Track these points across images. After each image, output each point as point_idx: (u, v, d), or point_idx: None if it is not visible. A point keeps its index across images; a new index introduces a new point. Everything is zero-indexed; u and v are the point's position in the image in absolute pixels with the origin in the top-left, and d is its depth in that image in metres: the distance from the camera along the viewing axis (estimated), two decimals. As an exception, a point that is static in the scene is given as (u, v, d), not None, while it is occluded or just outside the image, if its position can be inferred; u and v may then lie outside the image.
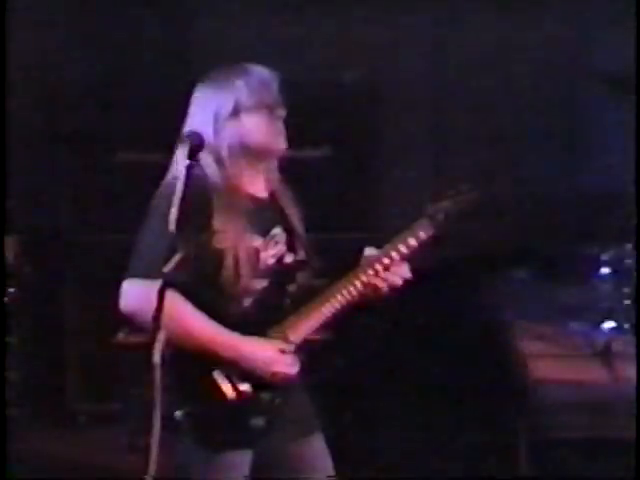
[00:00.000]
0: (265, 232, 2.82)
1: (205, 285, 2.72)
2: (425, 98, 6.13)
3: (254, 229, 2.78)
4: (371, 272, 2.80)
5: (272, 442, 2.78)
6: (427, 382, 5.51)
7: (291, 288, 2.85)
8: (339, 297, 2.81)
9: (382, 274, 2.80)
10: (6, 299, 5.46)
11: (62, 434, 5.45)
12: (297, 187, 5.51)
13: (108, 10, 5.69)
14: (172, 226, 2.49)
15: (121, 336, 4.93)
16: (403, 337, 5.69)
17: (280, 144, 2.84)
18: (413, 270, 2.84)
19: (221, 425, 2.71)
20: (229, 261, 2.71)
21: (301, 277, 2.87)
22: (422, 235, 2.82)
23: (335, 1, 5.99)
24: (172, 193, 2.54)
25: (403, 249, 2.82)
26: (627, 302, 4.89)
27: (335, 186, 5.28)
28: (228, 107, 2.78)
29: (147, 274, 2.64)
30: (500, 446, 4.56)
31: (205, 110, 2.80)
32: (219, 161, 2.77)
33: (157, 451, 2.44)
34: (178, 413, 2.67)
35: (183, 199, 2.52)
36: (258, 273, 2.78)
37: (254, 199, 2.81)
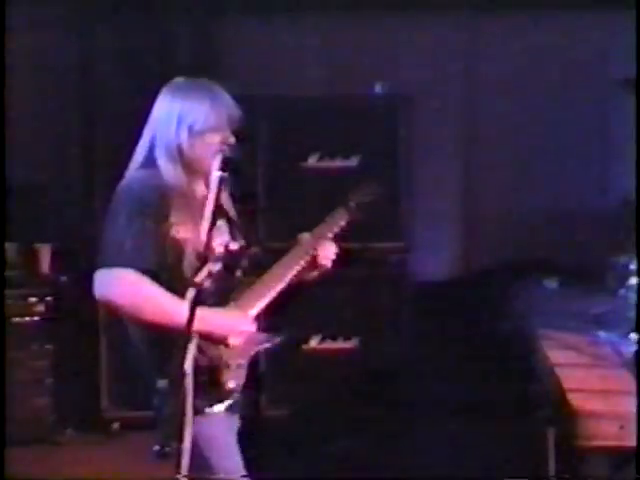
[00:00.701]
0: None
1: (168, 270, 3.03)
2: (456, 108, 6.16)
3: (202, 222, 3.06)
4: (309, 253, 3.33)
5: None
6: (455, 390, 5.54)
7: (238, 272, 3.23)
8: (288, 273, 3.28)
9: (318, 253, 3.35)
10: (42, 307, 5.57)
11: (96, 440, 5.55)
12: (327, 196, 5.59)
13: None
14: (203, 236, 2.84)
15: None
16: (432, 345, 5.72)
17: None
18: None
19: (198, 391, 2.92)
20: (189, 248, 3.03)
21: (244, 261, 3.26)
22: (341, 222, 3.45)
23: (366, 11, 6.04)
24: (134, 196, 3.03)
25: (329, 234, 3.42)
26: (656, 312, 4.88)
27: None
28: (199, 125, 3.10)
29: (119, 262, 2.97)
30: (529, 456, 4.57)
31: (177, 121, 3.11)
32: (182, 168, 3.11)
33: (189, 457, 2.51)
34: (161, 382, 2.95)
35: (214, 207, 2.87)
36: (211, 259, 3.05)
37: (200, 197, 3.12)
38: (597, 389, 4.03)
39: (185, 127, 3.11)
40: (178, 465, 2.52)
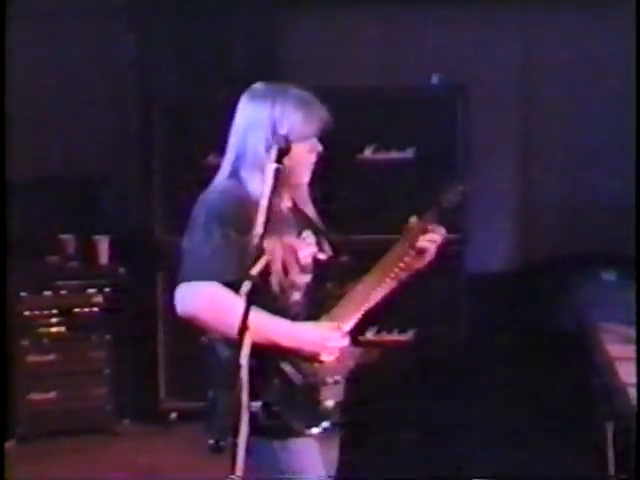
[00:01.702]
0: (298, 235, 3.05)
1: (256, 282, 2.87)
2: (512, 101, 6.10)
3: (290, 233, 3.00)
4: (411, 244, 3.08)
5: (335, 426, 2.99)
6: (513, 384, 5.50)
7: (328, 283, 3.09)
8: (384, 281, 3.08)
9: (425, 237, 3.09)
10: (101, 298, 5.62)
11: (154, 430, 5.60)
12: (381, 188, 5.55)
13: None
14: (259, 229, 2.70)
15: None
16: (489, 337, 5.69)
17: (307, 177, 3.09)
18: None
19: (295, 411, 2.87)
20: (274, 261, 2.90)
21: (334, 272, 3.11)
22: (432, 221, 3.15)
23: (423, 1, 6.01)
24: (216, 206, 2.89)
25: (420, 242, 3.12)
26: None
27: (421, 188, 5.28)
28: (293, 135, 2.90)
29: (198, 277, 2.85)
30: (588, 450, 4.52)
31: (270, 130, 2.95)
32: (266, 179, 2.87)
33: (244, 452, 2.52)
34: (255, 405, 2.77)
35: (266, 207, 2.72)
36: (300, 269, 2.99)
37: (285, 209, 3.03)
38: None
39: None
40: (233, 460, 2.51)
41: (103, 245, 5.69)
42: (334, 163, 5.44)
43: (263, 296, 2.82)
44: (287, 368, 2.89)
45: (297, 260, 2.99)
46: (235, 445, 2.53)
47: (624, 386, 3.93)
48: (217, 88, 5.49)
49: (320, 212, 3.25)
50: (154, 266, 5.58)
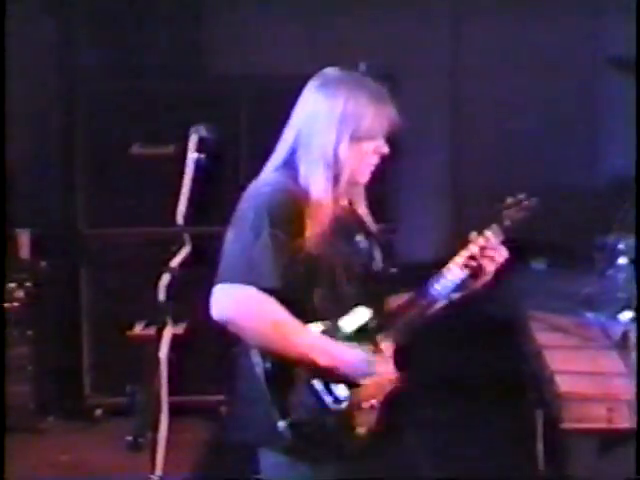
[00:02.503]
0: (350, 240, 2.82)
1: (299, 292, 2.68)
2: (441, 87, 6.10)
3: (342, 237, 2.77)
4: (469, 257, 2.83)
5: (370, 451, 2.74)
6: (442, 375, 5.49)
7: (378, 294, 2.84)
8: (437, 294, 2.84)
9: (486, 253, 2.83)
10: (22, 293, 5.49)
11: (79, 427, 5.49)
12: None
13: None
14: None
15: (137, 329, 4.94)
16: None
17: (366, 178, 2.83)
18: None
19: (324, 435, 2.67)
20: (325, 267, 2.69)
21: (385, 283, 2.88)
22: (493, 240, 2.86)
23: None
24: (266, 202, 2.63)
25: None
26: (645, 292, 4.84)
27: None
28: (362, 131, 2.72)
29: (240, 279, 2.61)
30: (517, 438, 4.53)
31: (339, 122, 2.71)
32: (329, 176, 2.70)
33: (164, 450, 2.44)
34: (282, 424, 2.62)
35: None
36: (350, 278, 2.76)
37: (339, 208, 2.78)
38: (585, 371, 3.99)
39: (348, 131, 2.70)
40: (153, 458, 2.43)
41: (24, 239, 5.56)
42: (261, 153, 5.45)
43: (304, 308, 2.65)
44: (319, 387, 2.68)
45: (348, 269, 2.76)
46: (155, 442, 2.45)
47: (552, 374, 3.94)
48: (140, 74, 5.40)
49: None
50: (77, 260, 5.47)
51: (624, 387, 3.81)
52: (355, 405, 2.69)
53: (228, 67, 5.84)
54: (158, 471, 2.43)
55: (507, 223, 2.88)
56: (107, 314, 5.40)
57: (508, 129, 6.03)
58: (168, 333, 2.53)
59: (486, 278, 2.85)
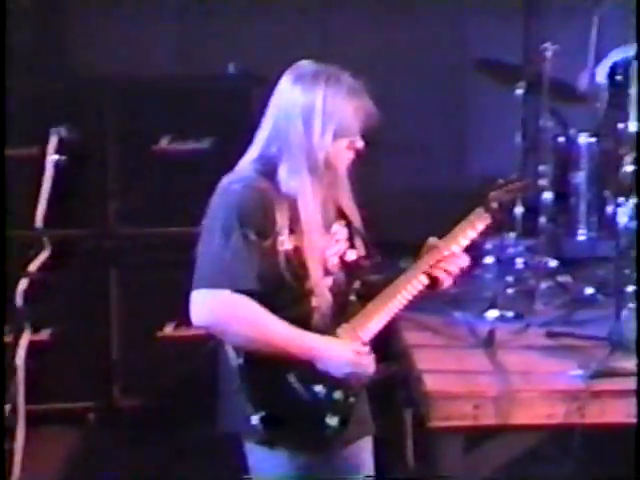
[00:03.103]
0: (326, 228, 2.80)
1: (273, 287, 2.67)
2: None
3: (317, 230, 2.74)
4: (433, 265, 2.88)
5: (340, 442, 2.77)
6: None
7: (355, 285, 2.85)
8: (404, 292, 2.87)
9: (442, 266, 2.88)
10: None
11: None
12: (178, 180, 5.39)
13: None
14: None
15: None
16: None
17: (344, 171, 2.83)
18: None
19: (296, 427, 2.69)
20: (296, 262, 2.69)
21: (363, 273, 2.88)
22: (479, 225, 2.92)
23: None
24: (237, 201, 2.61)
25: (463, 241, 2.93)
26: (510, 291, 4.94)
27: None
28: (342, 130, 2.71)
29: (215, 284, 2.60)
30: (386, 437, 4.56)
31: (322, 119, 2.70)
32: (307, 172, 2.69)
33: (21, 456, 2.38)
34: (255, 417, 2.63)
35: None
36: (324, 271, 2.75)
37: (318, 201, 2.76)
38: (452, 369, 4.05)
39: (332, 128, 2.68)
40: (10, 464, 2.36)
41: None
42: (129, 155, 5.36)
43: (277, 301, 2.64)
44: (293, 380, 2.68)
45: (321, 261, 2.74)
46: (12, 451, 2.39)
47: (419, 373, 3.99)
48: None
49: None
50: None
51: (490, 385, 3.88)
52: (331, 396, 2.72)
53: (93, 67, 5.74)
54: (16, 478, 2.36)
55: (494, 205, 2.91)
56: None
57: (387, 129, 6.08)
58: (25, 339, 2.45)
59: (443, 288, 2.93)
